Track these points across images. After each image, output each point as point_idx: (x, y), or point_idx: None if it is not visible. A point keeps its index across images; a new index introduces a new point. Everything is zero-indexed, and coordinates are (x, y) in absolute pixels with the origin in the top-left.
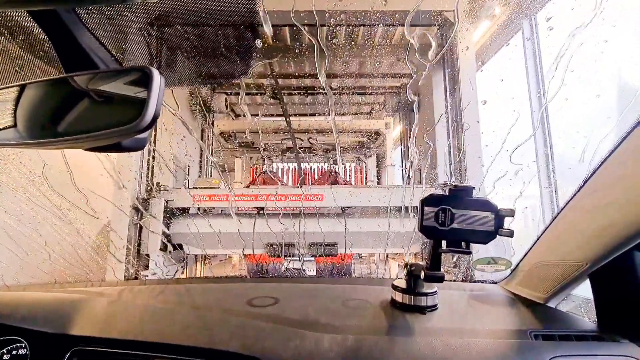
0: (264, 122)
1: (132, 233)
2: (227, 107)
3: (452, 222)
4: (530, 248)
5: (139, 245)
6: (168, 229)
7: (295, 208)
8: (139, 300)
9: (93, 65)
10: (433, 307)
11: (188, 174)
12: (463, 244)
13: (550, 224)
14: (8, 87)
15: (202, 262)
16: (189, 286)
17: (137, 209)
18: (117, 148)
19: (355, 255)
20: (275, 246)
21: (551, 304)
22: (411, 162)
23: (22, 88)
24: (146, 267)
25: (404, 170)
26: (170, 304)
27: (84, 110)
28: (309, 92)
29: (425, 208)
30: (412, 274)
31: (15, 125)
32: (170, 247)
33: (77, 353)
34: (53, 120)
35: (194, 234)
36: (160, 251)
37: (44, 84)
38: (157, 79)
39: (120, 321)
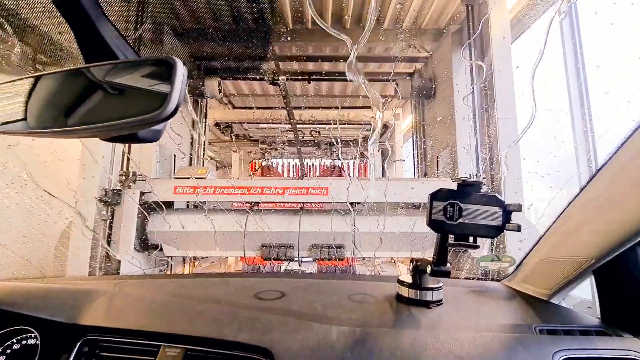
0: (262, 112)
1: (99, 231)
2: (220, 91)
3: (460, 217)
4: (534, 245)
5: (109, 245)
6: (144, 226)
7: (295, 204)
8: (147, 293)
9: (113, 56)
10: (438, 302)
11: (174, 166)
12: (471, 238)
13: (554, 222)
14: (31, 77)
15: (191, 264)
16: (196, 280)
17: (106, 203)
18: (134, 139)
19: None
20: (271, 248)
21: (555, 301)
22: (423, 154)
23: (45, 78)
24: (117, 272)
25: (416, 164)
26: (178, 297)
27: (105, 100)
28: (312, 77)
29: (434, 202)
30: (418, 269)
31: (37, 114)
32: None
33: (88, 342)
34: (75, 109)
35: (175, 232)
36: (136, 252)
37: (66, 74)
38: (181, 69)
39: (129, 312)
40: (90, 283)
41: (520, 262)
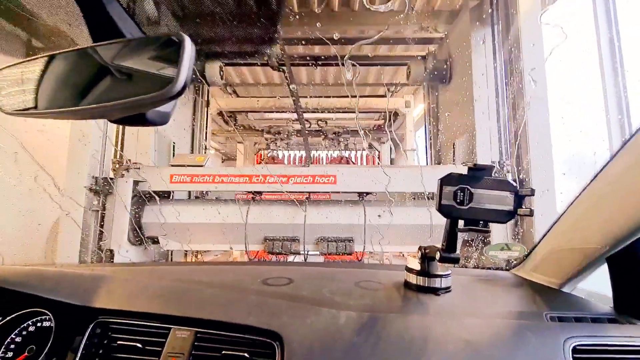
0: (267, 100)
1: (90, 223)
2: (222, 77)
3: (471, 202)
4: (545, 234)
5: (100, 239)
6: (140, 218)
7: (300, 194)
8: (158, 279)
9: (121, 35)
10: (447, 289)
11: (173, 155)
12: (481, 222)
13: (566, 210)
14: (39, 57)
15: (194, 257)
16: (205, 267)
17: (96, 192)
18: (142, 121)
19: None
20: (275, 241)
21: (566, 290)
22: (437, 142)
23: (51, 58)
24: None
25: (430, 153)
26: (188, 282)
27: (114, 79)
28: (318, 62)
29: (444, 187)
30: (426, 256)
31: (45, 95)
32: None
33: (101, 324)
34: (83, 89)
35: (172, 224)
36: (131, 245)
37: (73, 53)
38: (189, 46)
39: (140, 296)
40: (102, 269)
41: (531, 251)
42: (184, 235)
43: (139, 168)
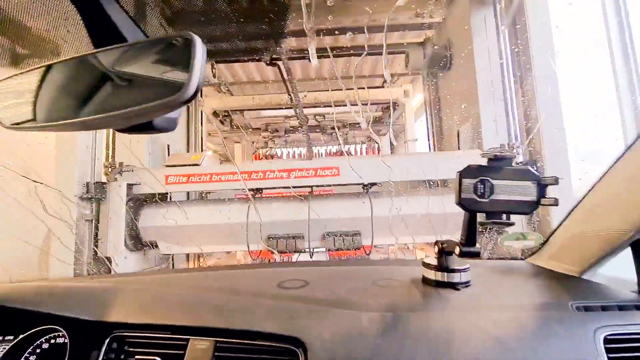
0: (262, 97)
1: (83, 231)
2: (215, 75)
3: (492, 194)
4: (563, 221)
5: (96, 245)
6: (136, 222)
7: (302, 190)
8: (169, 287)
9: (123, 39)
10: (466, 284)
11: (168, 156)
12: (504, 215)
13: (586, 195)
14: (37, 68)
15: (196, 261)
16: (216, 273)
17: (89, 198)
18: (149, 128)
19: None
20: (278, 240)
21: (586, 277)
22: (440, 130)
23: (50, 68)
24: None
25: (432, 142)
26: (201, 289)
27: (119, 86)
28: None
29: (463, 180)
30: (443, 251)
31: (45, 106)
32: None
33: (117, 339)
34: (88, 98)
35: (170, 227)
36: (129, 251)
37: (74, 61)
38: (200, 46)
39: (155, 307)
40: (112, 280)
41: (547, 239)
42: (183, 237)
43: (132, 170)
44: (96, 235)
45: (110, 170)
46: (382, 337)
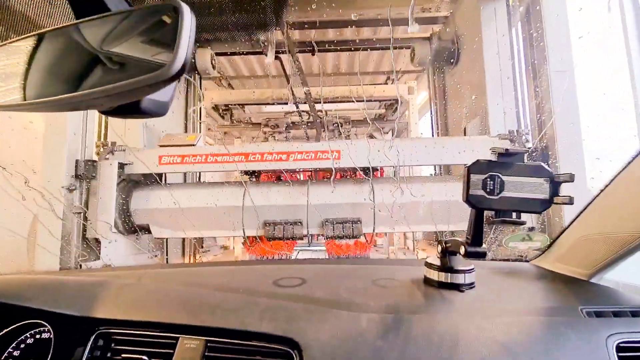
0: (263, 92)
1: (71, 214)
2: (214, 67)
3: (502, 190)
4: (571, 223)
5: (85, 229)
6: (128, 204)
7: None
8: (161, 283)
9: (106, 9)
10: (471, 285)
11: None
12: (514, 214)
13: (596, 197)
14: (9, 43)
15: (192, 255)
16: (211, 269)
17: (79, 177)
18: (137, 111)
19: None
20: (275, 226)
21: (594, 280)
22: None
23: (28, 42)
24: (97, 258)
25: (437, 135)
26: (194, 286)
27: (100, 61)
28: (318, 48)
29: (472, 175)
30: (447, 250)
31: (20, 85)
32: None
33: (103, 335)
34: (65, 76)
35: (162, 210)
36: (120, 235)
37: (54, 34)
38: (188, 15)
39: (144, 304)
40: (101, 274)
41: (554, 241)
42: (177, 221)
43: (124, 150)
44: (85, 216)
45: (102, 149)
46: (383, 340)
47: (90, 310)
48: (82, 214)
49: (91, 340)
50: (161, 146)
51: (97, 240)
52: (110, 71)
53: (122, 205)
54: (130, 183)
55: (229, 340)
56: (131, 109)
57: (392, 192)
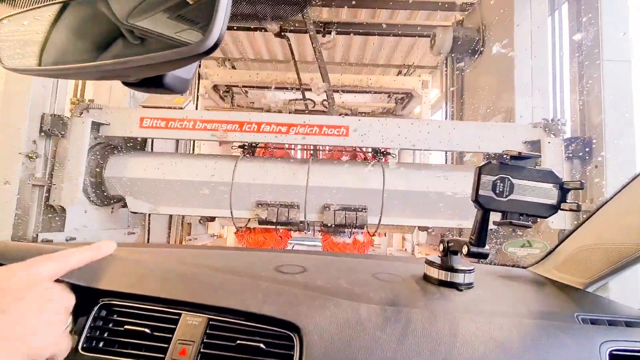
0: (268, 74)
1: (28, 172)
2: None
3: (511, 193)
4: (572, 232)
5: (49, 192)
6: (102, 171)
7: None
8: (165, 261)
9: None
10: (469, 285)
11: None
12: (521, 217)
13: (599, 208)
14: (44, 6)
15: (177, 237)
16: (215, 252)
17: (45, 132)
18: (160, 85)
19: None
20: (269, 207)
21: (590, 290)
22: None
23: (61, 7)
24: (60, 229)
25: None
26: (198, 266)
27: (132, 31)
28: (326, 29)
29: (482, 176)
30: (449, 250)
31: (51, 49)
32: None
33: (106, 307)
34: (94, 43)
35: (141, 180)
36: (92, 205)
37: (84, 1)
38: None
39: (148, 279)
40: None
41: (554, 249)
42: (156, 194)
43: (101, 108)
44: (50, 179)
45: (75, 105)
46: (382, 330)
47: (94, 280)
48: (46, 173)
49: (94, 310)
50: (144, 107)
51: (62, 208)
52: (142, 42)
53: (95, 171)
54: (108, 148)
55: (231, 319)
56: (155, 83)
57: (406, 179)
